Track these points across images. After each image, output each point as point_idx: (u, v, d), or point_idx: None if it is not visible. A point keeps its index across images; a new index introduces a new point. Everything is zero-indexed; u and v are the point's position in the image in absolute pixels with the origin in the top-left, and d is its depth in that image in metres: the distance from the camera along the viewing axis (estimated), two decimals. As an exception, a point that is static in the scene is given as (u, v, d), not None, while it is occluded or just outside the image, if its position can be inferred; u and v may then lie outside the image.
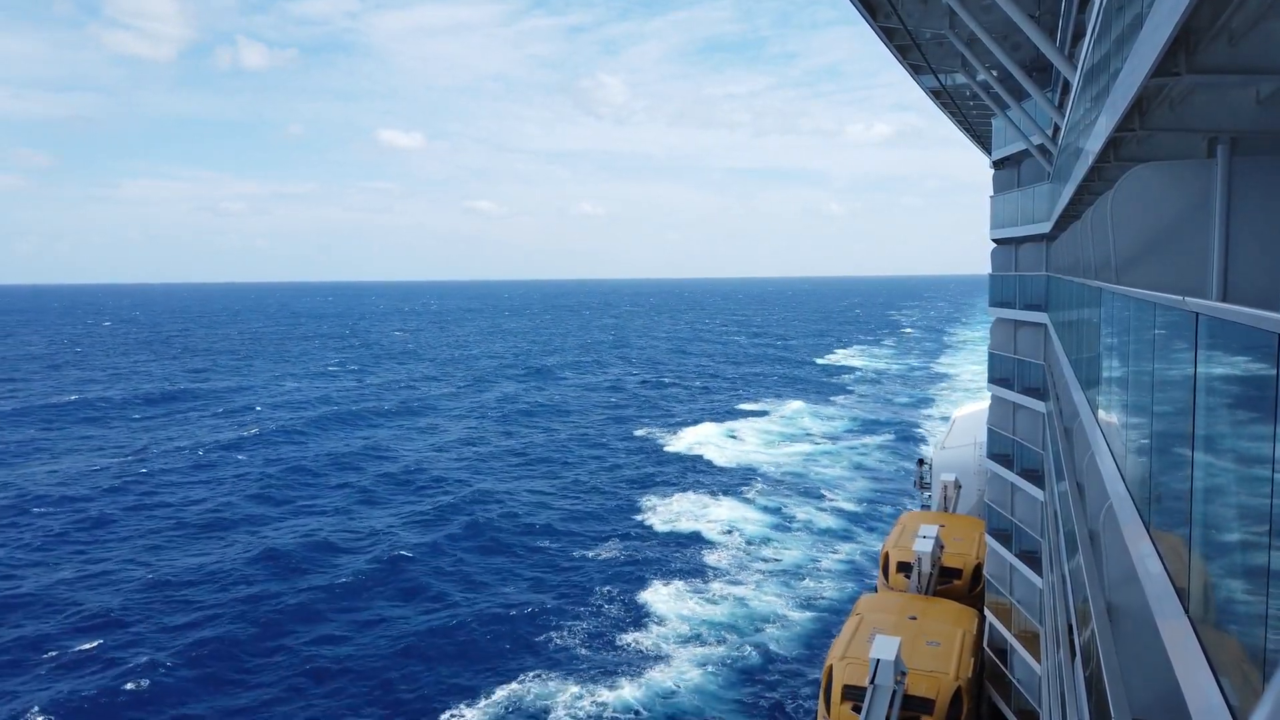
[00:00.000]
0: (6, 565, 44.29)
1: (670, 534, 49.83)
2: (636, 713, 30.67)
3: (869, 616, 26.55)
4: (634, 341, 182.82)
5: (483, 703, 31.27)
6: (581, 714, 30.48)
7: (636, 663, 34.16)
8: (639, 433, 79.92)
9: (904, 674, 21.06)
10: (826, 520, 53.03)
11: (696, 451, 70.93)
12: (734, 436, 77.76)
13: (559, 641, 36.17)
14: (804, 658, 34.94)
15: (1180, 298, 4.59)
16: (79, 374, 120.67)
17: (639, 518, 52.92)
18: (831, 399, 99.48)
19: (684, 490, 59.02)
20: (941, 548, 30.47)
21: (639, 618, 38.43)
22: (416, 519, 52.16)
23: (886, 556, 32.53)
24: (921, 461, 48.19)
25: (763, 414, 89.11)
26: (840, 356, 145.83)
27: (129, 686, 32.08)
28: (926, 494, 44.30)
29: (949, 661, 23.63)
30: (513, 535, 49.56)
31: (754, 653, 35.09)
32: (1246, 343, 3.42)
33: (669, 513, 53.66)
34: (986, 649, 27.81)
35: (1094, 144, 9.98)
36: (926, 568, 29.37)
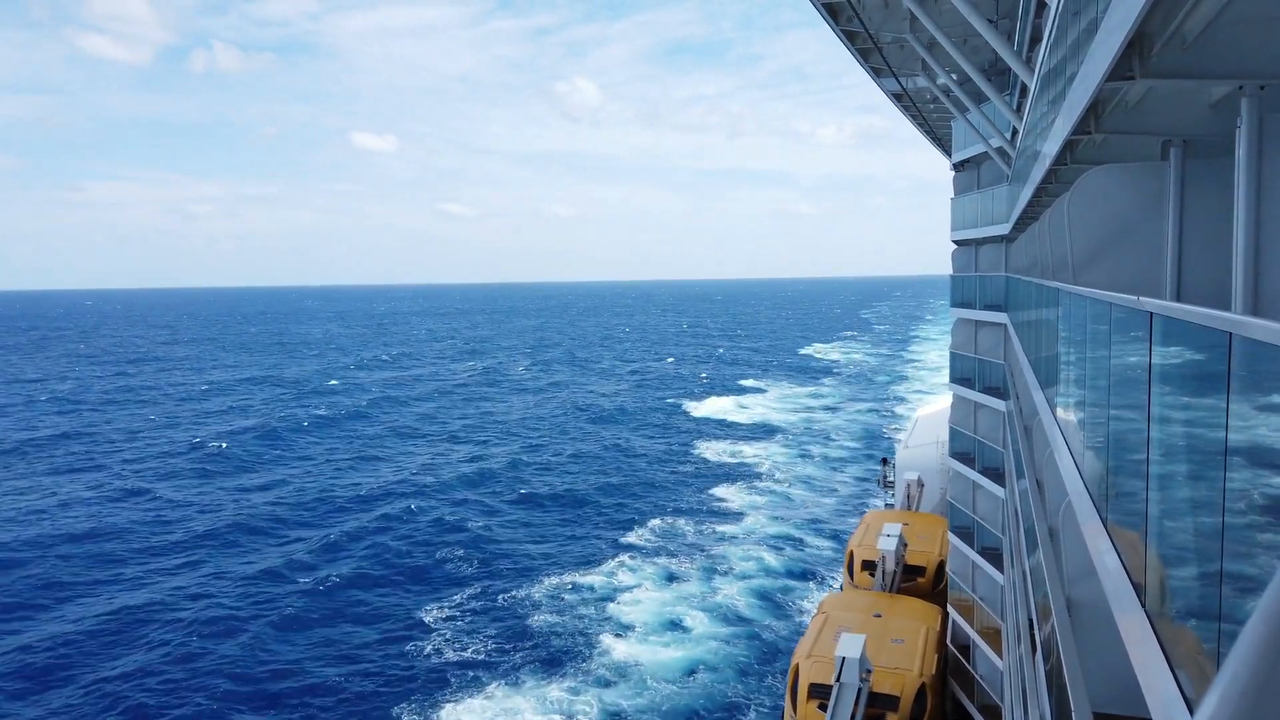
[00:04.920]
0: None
1: (720, 462, 68.21)
2: (731, 537, 47.79)
3: (834, 615, 26.70)
4: (626, 337, 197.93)
5: (629, 536, 49.05)
6: (689, 544, 47.20)
7: (723, 520, 52.06)
8: (670, 400, 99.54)
9: (869, 671, 21.20)
10: (835, 453, 71.80)
11: (718, 415, 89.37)
12: (744, 407, 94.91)
13: (663, 519, 52.84)
14: (831, 529, 50.84)
15: (1135, 297, 4.66)
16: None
17: (695, 453, 71.76)
18: (819, 380, 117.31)
19: (718, 439, 76.70)
20: (905, 546, 30.71)
21: (715, 502, 56.14)
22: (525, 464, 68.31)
23: (851, 555, 32.69)
24: (885, 460, 48.60)
25: (761, 391, 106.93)
26: (820, 350, 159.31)
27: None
28: (890, 493, 44.67)
29: (913, 658, 23.84)
30: (604, 462, 68.62)
31: (800, 517, 52.82)
32: (1199, 341, 3.48)
33: (714, 451, 72.10)
34: (950, 645, 28.07)
35: (1051, 147, 10.12)
36: (890, 566, 29.60)
